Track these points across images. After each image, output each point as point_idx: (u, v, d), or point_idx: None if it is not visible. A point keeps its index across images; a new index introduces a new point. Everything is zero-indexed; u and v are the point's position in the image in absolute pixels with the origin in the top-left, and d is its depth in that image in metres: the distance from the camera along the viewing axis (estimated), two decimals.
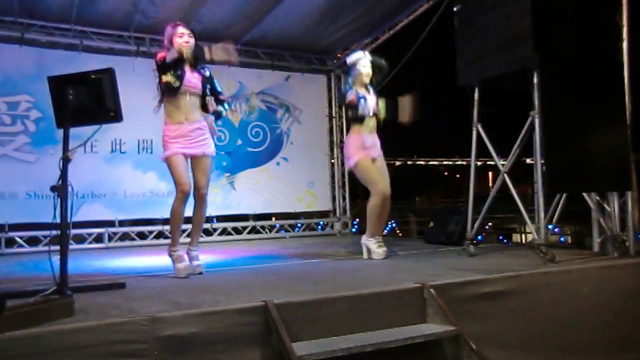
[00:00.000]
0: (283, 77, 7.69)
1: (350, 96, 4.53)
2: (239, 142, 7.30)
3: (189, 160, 3.87)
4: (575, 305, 3.48)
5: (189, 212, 3.94)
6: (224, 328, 2.54)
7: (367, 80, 4.62)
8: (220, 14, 6.34)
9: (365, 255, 4.54)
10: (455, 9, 4.86)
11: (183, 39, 3.82)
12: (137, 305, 2.72)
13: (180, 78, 3.77)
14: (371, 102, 4.57)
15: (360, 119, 4.52)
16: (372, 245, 4.49)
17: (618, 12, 4.20)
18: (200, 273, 3.88)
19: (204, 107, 3.95)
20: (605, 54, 4.13)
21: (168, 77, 3.75)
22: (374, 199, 4.44)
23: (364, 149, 4.48)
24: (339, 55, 7.97)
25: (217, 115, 4.03)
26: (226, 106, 4.12)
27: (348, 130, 4.91)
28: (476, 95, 4.72)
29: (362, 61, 4.63)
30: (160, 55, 3.77)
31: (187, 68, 3.83)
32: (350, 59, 4.69)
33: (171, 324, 2.45)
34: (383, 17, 6.81)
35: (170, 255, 3.85)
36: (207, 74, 3.94)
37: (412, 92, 4.64)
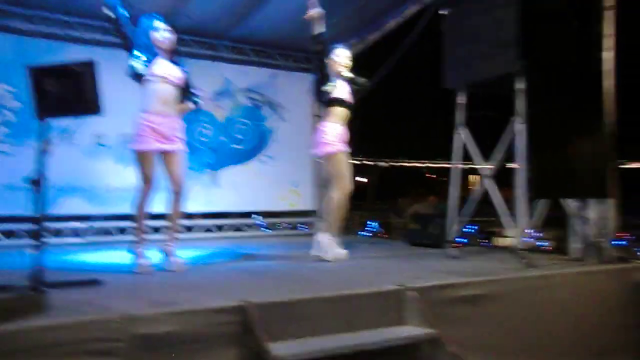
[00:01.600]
0: (269, 74, 7.63)
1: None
2: (223, 138, 7.23)
3: (161, 156, 3.83)
4: (554, 310, 3.51)
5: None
6: (200, 327, 2.51)
7: (341, 69, 4.51)
8: (208, 8, 6.28)
9: (316, 252, 4.36)
10: (443, 12, 4.87)
11: (160, 34, 3.80)
12: (112, 302, 2.67)
13: (148, 65, 3.74)
14: (345, 91, 4.47)
15: (333, 103, 4.38)
16: (334, 246, 4.38)
17: (603, 22, 4.24)
18: (179, 270, 3.82)
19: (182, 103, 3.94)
20: (589, 62, 4.17)
21: (135, 62, 3.74)
22: (337, 194, 4.32)
23: (337, 140, 4.37)
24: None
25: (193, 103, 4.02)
26: (199, 100, 4.08)
27: None
28: (461, 98, 4.73)
29: (338, 51, 4.57)
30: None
31: (164, 60, 3.81)
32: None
33: (147, 322, 2.41)
34: (371, 19, 6.82)
35: (132, 252, 3.79)
36: (186, 69, 3.94)
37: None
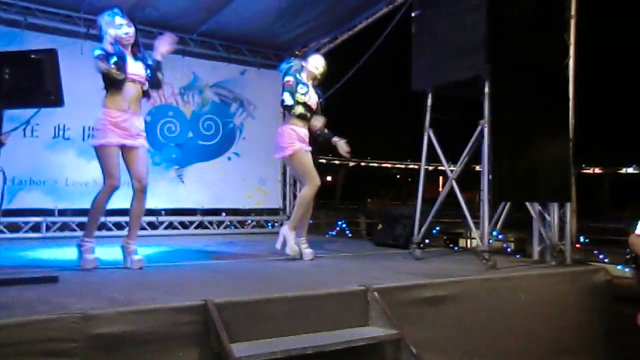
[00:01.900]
0: (239, 70, 7.56)
1: (288, 77, 4.45)
2: (190, 134, 7.12)
3: (123, 152, 3.74)
4: (515, 312, 3.58)
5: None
6: (160, 327, 2.45)
7: (313, 74, 4.56)
8: (177, 2, 6.18)
9: (278, 246, 4.36)
10: (413, 15, 4.90)
11: (122, 30, 3.69)
12: (69, 301, 2.59)
13: (124, 70, 3.65)
14: (312, 97, 4.50)
15: (293, 107, 4.36)
16: (302, 246, 4.41)
17: (566, 31, 4.35)
18: (140, 268, 3.73)
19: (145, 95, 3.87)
20: (552, 69, 4.27)
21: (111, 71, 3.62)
22: (308, 189, 4.37)
23: (300, 140, 4.41)
24: (297, 52, 7.90)
25: (156, 83, 3.90)
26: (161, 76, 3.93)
27: None
28: (429, 100, 4.77)
29: (312, 59, 4.61)
30: (98, 54, 3.61)
31: (129, 57, 3.73)
32: (303, 52, 4.69)
33: (103, 321, 2.34)
34: (343, 18, 6.81)
35: (80, 246, 3.70)
36: (149, 62, 3.85)
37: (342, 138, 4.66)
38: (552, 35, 4.28)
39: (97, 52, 3.62)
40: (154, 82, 3.88)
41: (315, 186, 4.39)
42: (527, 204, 4.42)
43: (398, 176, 40.95)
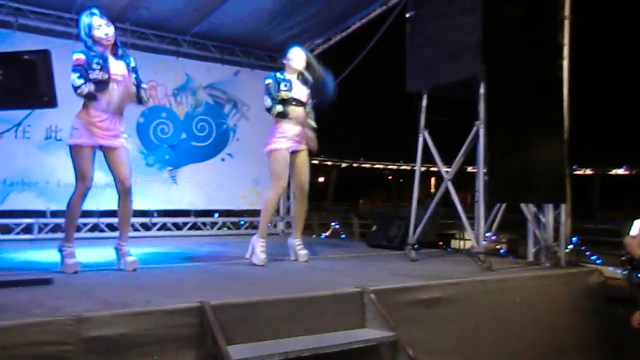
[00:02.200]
0: (232, 71, 7.53)
1: (266, 80, 4.36)
2: (184, 135, 7.08)
3: (101, 153, 3.68)
4: (510, 313, 3.58)
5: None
6: (155, 329, 2.43)
7: (296, 69, 4.43)
8: (169, 2, 6.15)
9: (247, 255, 4.22)
10: (407, 16, 4.91)
11: (102, 31, 3.61)
12: (63, 303, 2.56)
13: (107, 70, 3.59)
14: (299, 91, 4.36)
15: (272, 108, 4.25)
16: (296, 248, 4.30)
17: (560, 32, 4.36)
18: (135, 269, 3.70)
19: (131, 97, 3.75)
20: (547, 70, 4.28)
21: (95, 74, 3.56)
22: (270, 193, 4.25)
23: (284, 139, 4.26)
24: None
25: (139, 100, 3.83)
26: (146, 97, 3.88)
27: None
28: (424, 102, 4.78)
29: (292, 52, 4.49)
30: (77, 58, 3.55)
31: (110, 57, 3.66)
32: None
33: (98, 324, 2.31)
34: (336, 19, 6.82)
35: (61, 251, 3.63)
36: (133, 63, 3.77)
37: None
38: (546, 36, 4.29)
39: (76, 80, 3.52)
40: (139, 98, 3.80)
41: (274, 193, 4.23)
42: (522, 205, 4.43)
43: (390, 177, 41.03)
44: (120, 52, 3.74)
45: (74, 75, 3.52)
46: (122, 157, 3.71)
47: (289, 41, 7.43)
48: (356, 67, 6.99)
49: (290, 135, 4.28)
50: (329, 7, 6.42)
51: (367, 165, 38.34)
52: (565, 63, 4.32)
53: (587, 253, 5.56)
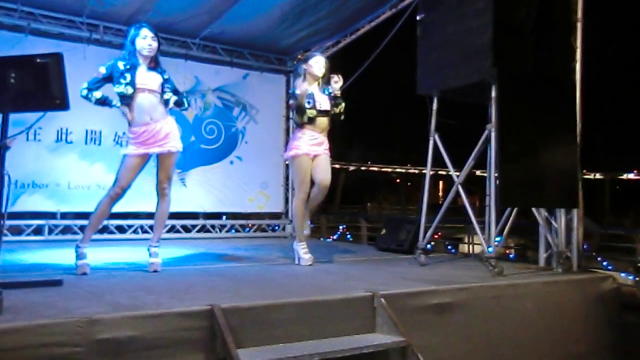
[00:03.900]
0: (241, 74, 7.55)
1: (290, 102, 4.45)
2: (192, 138, 7.10)
3: (154, 156, 3.84)
4: (521, 319, 3.54)
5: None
6: (165, 332, 2.43)
7: (317, 77, 4.45)
8: (179, 5, 6.17)
9: (296, 261, 4.42)
10: (418, 18, 4.89)
11: (146, 41, 3.79)
12: (73, 305, 2.56)
13: (133, 84, 3.74)
14: (322, 101, 4.40)
15: (304, 113, 4.32)
16: (300, 251, 4.39)
17: (573, 34, 4.33)
18: (155, 271, 3.76)
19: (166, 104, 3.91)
20: (559, 73, 4.25)
21: (120, 89, 3.74)
22: (295, 199, 4.41)
23: (306, 144, 4.34)
24: (299, 56, 7.90)
25: (178, 106, 3.98)
26: (187, 103, 4.10)
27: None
28: (434, 105, 4.76)
29: (315, 58, 4.52)
30: (98, 71, 3.77)
31: (142, 70, 3.81)
32: (304, 56, 4.64)
33: (109, 326, 2.31)
34: (345, 21, 6.81)
35: (76, 250, 3.69)
36: (166, 76, 3.91)
37: None
38: (559, 38, 4.26)
39: (82, 90, 3.75)
40: (177, 102, 3.95)
41: (298, 198, 4.37)
42: (534, 209, 4.39)
43: (397, 180, 40.93)
44: (158, 66, 3.89)
45: (83, 86, 3.74)
46: (166, 163, 3.87)
47: (298, 44, 7.47)
48: (364, 70, 6.98)
49: (313, 142, 4.38)
50: (338, 9, 6.41)
51: (375, 169, 38.28)
52: (578, 66, 4.28)
53: (599, 259, 5.50)
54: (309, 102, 4.34)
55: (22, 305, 2.50)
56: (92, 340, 2.26)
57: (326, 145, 4.46)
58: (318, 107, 4.36)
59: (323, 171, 4.41)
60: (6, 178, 2.78)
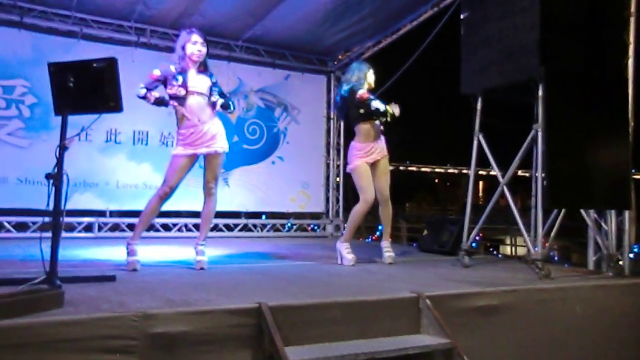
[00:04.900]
0: (283, 75, 7.64)
1: (362, 92, 4.49)
2: (235, 138, 7.23)
3: (202, 157, 3.94)
4: (569, 324, 3.45)
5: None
6: (215, 328, 2.48)
7: (370, 86, 4.65)
8: (223, 8, 6.29)
9: (338, 261, 4.49)
10: (462, 17, 4.83)
11: (196, 47, 3.91)
12: (127, 299, 2.66)
13: (185, 86, 3.87)
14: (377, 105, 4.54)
15: (369, 116, 4.48)
16: (344, 252, 4.45)
17: (625, 30, 4.19)
18: (201, 269, 3.85)
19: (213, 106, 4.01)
20: (610, 70, 4.12)
21: (172, 90, 3.88)
22: (359, 205, 4.48)
23: (363, 155, 4.50)
24: (340, 56, 7.94)
25: (225, 109, 4.05)
26: (233, 106, 4.17)
27: (347, 132, 4.88)
28: (479, 104, 4.69)
29: (372, 76, 4.68)
30: (152, 73, 3.91)
31: (192, 74, 3.93)
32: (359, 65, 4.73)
33: (163, 321, 2.38)
34: (387, 21, 6.79)
35: (127, 247, 3.83)
36: (214, 80, 4.03)
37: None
38: (610, 34, 4.12)
39: (139, 90, 3.92)
40: (224, 105, 4.03)
41: (364, 202, 4.44)
42: (582, 211, 4.28)
43: (436, 180, 40.40)
44: (206, 70, 4.02)
45: (140, 86, 3.89)
46: (212, 164, 3.97)
47: (339, 45, 7.49)
48: (406, 69, 6.94)
49: (369, 150, 4.52)
50: (380, 9, 6.40)
51: (414, 168, 37.92)
52: (631, 62, 4.14)
53: None
54: (373, 95, 4.50)
55: (80, 298, 2.61)
56: (146, 334, 2.34)
57: (383, 146, 4.62)
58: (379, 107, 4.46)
59: (382, 179, 4.57)
60: (64, 177, 2.92)
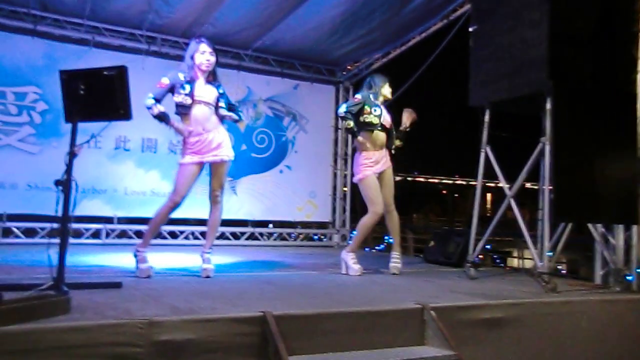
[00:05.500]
0: (292, 85, 7.69)
1: (356, 96, 4.61)
2: (244, 147, 7.27)
3: (207, 165, 3.95)
4: (575, 338, 3.43)
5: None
6: (221, 336, 2.49)
7: (385, 97, 4.72)
8: (233, 18, 6.35)
9: (343, 271, 4.49)
10: (470, 29, 4.85)
11: (204, 56, 3.93)
12: (133, 306, 2.68)
13: (191, 95, 3.89)
14: (386, 117, 4.64)
15: (367, 126, 4.52)
16: (350, 262, 4.46)
17: (634, 45, 4.19)
18: (207, 277, 3.87)
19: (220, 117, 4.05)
20: (618, 84, 4.12)
21: (179, 98, 3.90)
22: (367, 216, 4.49)
23: (370, 165, 4.52)
24: (348, 67, 7.98)
25: (234, 119, 4.12)
26: (240, 116, 4.20)
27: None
28: (487, 117, 4.70)
29: (387, 88, 4.75)
30: (161, 82, 3.92)
31: (200, 83, 3.95)
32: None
33: (168, 328, 2.39)
34: (396, 33, 6.83)
35: (136, 255, 3.84)
36: (221, 90, 4.05)
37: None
38: (619, 49, 4.13)
39: (147, 100, 3.88)
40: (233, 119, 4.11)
41: (374, 214, 4.45)
42: (589, 225, 4.26)
43: (444, 192, 40.28)
44: (215, 79, 4.04)
45: (149, 96, 3.88)
46: (219, 172, 4.00)
47: (349, 55, 7.54)
48: (415, 81, 6.97)
49: (375, 160, 4.55)
50: (389, 21, 6.44)
51: (421, 179, 37.84)
52: (639, 77, 4.13)
53: None
54: (375, 110, 4.57)
55: (86, 305, 2.62)
56: (152, 341, 2.35)
57: (387, 159, 4.67)
58: (382, 122, 4.58)
59: (387, 189, 4.61)
60: (73, 184, 2.95)
